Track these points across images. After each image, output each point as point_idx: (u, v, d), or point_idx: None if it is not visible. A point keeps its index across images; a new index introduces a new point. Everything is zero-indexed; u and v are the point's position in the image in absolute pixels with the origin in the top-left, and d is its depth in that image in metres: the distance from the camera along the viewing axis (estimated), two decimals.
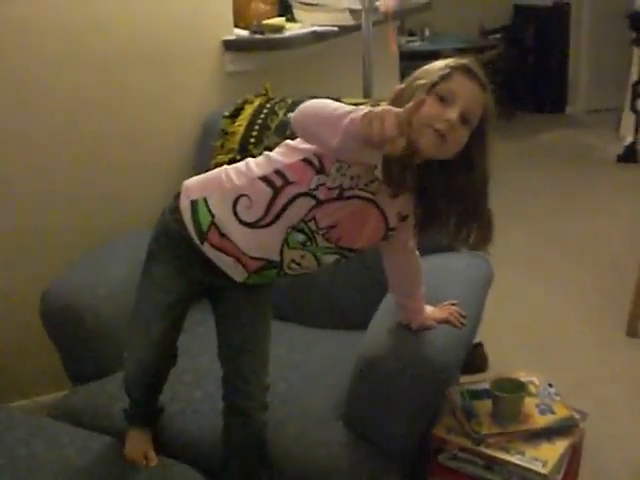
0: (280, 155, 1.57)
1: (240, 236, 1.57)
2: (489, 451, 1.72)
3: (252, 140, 2.33)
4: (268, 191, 1.53)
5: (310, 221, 1.53)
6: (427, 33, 6.64)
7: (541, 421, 1.78)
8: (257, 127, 2.34)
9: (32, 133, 2.33)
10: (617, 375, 2.89)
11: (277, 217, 1.53)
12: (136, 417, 1.81)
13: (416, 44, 6.41)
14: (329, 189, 1.49)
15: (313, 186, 1.50)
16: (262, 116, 2.37)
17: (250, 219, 1.55)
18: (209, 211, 1.59)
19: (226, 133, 2.39)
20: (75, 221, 2.44)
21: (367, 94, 2.94)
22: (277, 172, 1.54)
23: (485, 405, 1.82)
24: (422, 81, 1.47)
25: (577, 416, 1.83)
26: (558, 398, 1.87)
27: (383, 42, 3.23)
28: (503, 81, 6.59)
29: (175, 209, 1.64)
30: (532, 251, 4.09)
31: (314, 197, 1.50)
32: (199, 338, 2.13)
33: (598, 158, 5.75)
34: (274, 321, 2.19)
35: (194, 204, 1.61)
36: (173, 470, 1.68)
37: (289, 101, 2.41)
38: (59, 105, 2.36)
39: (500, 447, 1.73)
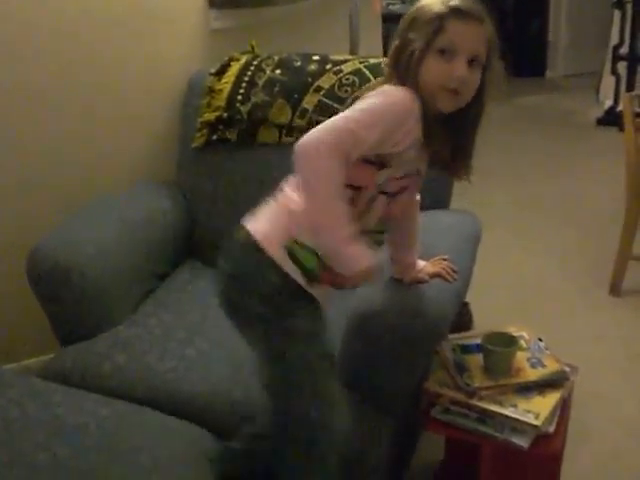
0: None
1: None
2: (482, 404, 1.73)
3: (239, 97, 2.30)
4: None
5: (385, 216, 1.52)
6: None
7: (533, 374, 1.79)
8: (244, 84, 2.32)
9: (17, 86, 2.28)
10: (600, 334, 2.92)
11: (362, 227, 1.46)
12: None
13: (396, 6, 6.35)
14: (397, 179, 1.48)
15: (381, 182, 1.47)
16: (249, 73, 2.34)
17: None
18: (309, 249, 1.45)
19: (212, 91, 2.36)
20: (62, 178, 2.40)
21: (353, 51, 2.92)
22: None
23: (476, 359, 1.83)
24: (414, 37, 1.42)
25: (567, 369, 1.84)
26: (548, 352, 1.88)
27: (367, 1, 3.20)
28: None
29: (269, 265, 1.46)
30: (514, 212, 4.11)
31: (385, 193, 1.48)
32: (189, 296, 2.12)
33: (578, 121, 5.77)
34: None
35: (290, 250, 1.46)
36: (171, 425, 1.68)
37: (276, 58, 2.38)
38: (46, 58, 2.30)
39: (493, 400, 1.73)
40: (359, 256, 1.39)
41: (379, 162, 1.45)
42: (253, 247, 1.46)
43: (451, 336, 1.96)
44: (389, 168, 1.46)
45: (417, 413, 1.84)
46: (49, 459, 1.52)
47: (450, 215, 2.14)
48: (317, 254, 1.44)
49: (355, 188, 1.46)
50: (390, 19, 4.86)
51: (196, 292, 2.15)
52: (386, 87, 1.46)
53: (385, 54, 4.20)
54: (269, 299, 1.48)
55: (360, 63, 2.32)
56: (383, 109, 1.41)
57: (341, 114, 1.42)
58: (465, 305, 2.81)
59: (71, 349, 1.98)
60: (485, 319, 2.84)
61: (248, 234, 1.48)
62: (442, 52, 1.40)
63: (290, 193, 1.50)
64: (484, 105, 1.51)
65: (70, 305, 2.00)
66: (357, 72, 2.28)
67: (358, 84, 2.25)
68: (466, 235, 2.00)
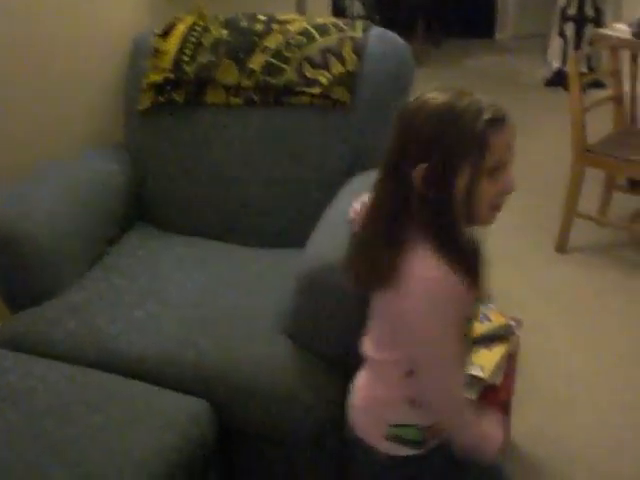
0: None
1: None
2: None
3: (185, 58, 2.28)
4: None
5: None
6: None
7: (479, 329, 1.83)
8: (190, 45, 2.29)
9: None
10: (547, 289, 3.00)
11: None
12: None
13: None
14: None
15: None
16: (195, 34, 2.32)
17: None
18: (410, 426, 1.38)
19: (158, 52, 2.32)
20: (7, 144, 2.35)
21: (300, 10, 2.91)
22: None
23: None
24: (457, 165, 1.18)
25: (513, 323, 1.89)
26: (494, 307, 1.92)
27: None
28: (431, 7, 6.58)
29: (385, 460, 1.39)
30: None
31: None
32: (139, 260, 2.11)
33: (527, 83, 5.82)
34: (210, 241, 2.21)
35: (391, 436, 1.39)
36: (124, 386, 1.69)
37: (222, 19, 2.36)
38: None
39: None
40: (492, 436, 1.34)
41: None
42: (358, 444, 1.42)
43: None
44: None
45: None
46: (1, 424, 1.52)
47: None
48: (416, 425, 1.38)
49: None
50: None
51: (146, 255, 2.15)
52: (420, 283, 1.21)
53: (335, 14, 4.17)
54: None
55: (306, 22, 2.31)
56: (444, 333, 1.24)
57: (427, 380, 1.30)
58: None
59: (21, 315, 1.96)
60: None
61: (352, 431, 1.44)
62: (490, 173, 1.21)
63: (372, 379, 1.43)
64: None
65: (19, 271, 1.98)
66: (304, 32, 2.27)
67: (305, 44, 2.24)
68: None
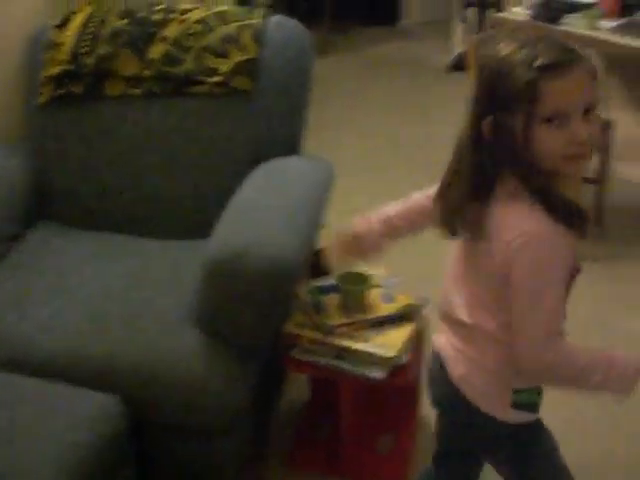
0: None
1: None
2: (338, 341, 1.80)
3: (83, 50, 2.24)
4: None
5: None
6: None
7: (386, 309, 1.87)
8: (88, 36, 2.25)
9: None
10: None
11: None
12: None
13: None
14: None
15: None
16: (93, 25, 2.28)
17: None
18: (529, 390, 1.40)
19: (55, 44, 2.28)
20: None
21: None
22: None
23: (333, 299, 1.89)
24: (507, 117, 1.20)
25: (419, 302, 1.93)
26: (401, 288, 1.97)
27: None
28: None
29: (499, 425, 1.40)
30: (372, 158, 4.20)
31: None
32: (45, 257, 2.08)
33: (430, 68, 5.91)
34: (117, 236, 2.18)
35: (515, 403, 1.39)
36: (34, 385, 1.66)
37: (120, 9, 2.33)
38: None
39: (349, 336, 1.81)
40: (630, 372, 1.29)
41: None
42: (479, 414, 1.40)
43: (311, 281, 2.02)
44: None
45: (278, 355, 1.89)
46: None
47: (302, 162, 2.18)
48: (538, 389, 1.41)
49: None
50: None
51: (52, 252, 2.11)
52: (516, 230, 1.23)
53: (241, 2, 4.13)
54: (505, 445, 1.45)
55: (206, 11, 2.30)
56: (542, 283, 1.25)
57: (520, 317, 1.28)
58: (320, 252, 2.86)
59: None
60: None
61: (466, 397, 1.40)
62: (549, 120, 1.18)
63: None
64: None
65: None
66: (203, 20, 2.26)
67: (204, 33, 2.23)
68: (318, 181, 2.04)
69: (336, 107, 4.99)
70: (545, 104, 1.17)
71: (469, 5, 5.81)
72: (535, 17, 3.48)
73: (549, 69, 1.16)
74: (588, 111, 1.19)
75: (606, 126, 3.28)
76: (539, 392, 1.41)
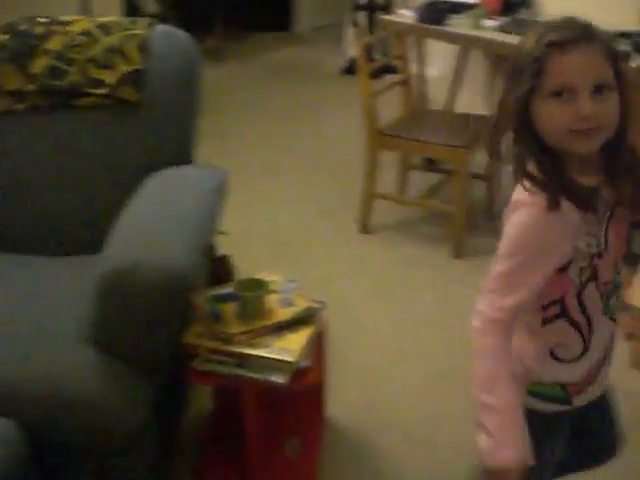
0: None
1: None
2: (238, 349, 1.79)
3: None
4: (564, 325, 1.34)
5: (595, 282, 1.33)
6: None
7: (284, 314, 1.87)
8: None
9: None
10: (353, 269, 3.11)
11: (588, 321, 1.33)
12: None
13: None
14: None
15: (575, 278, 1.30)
16: None
17: (573, 354, 1.37)
18: (550, 385, 1.40)
19: None
20: None
21: (85, 11, 2.84)
22: (546, 306, 1.34)
23: (231, 307, 1.88)
24: (514, 87, 1.24)
25: (317, 305, 1.95)
26: (298, 292, 1.97)
27: None
28: (228, 3, 6.60)
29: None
30: (269, 162, 4.22)
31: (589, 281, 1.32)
32: None
33: (324, 72, 5.98)
34: (3, 254, 2.11)
35: (534, 394, 1.40)
36: None
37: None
38: None
39: (248, 344, 1.80)
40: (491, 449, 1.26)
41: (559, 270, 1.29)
42: None
43: (209, 289, 2.00)
44: (574, 263, 1.30)
45: (179, 367, 1.87)
46: None
47: (195, 170, 2.17)
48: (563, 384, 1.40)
49: (555, 301, 1.33)
50: None
51: None
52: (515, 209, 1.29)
53: (130, 13, 4.08)
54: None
55: (90, 22, 2.27)
56: (515, 261, 1.27)
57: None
58: (225, 258, 2.85)
59: None
60: (249, 268, 2.90)
61: None
62: (557, 94, 1.20)
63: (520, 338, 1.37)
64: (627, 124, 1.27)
65: None
66: (87, 32, 2.23)
67: (89, 44, 2.19)
68: (210, 188, 2.03)
69: (232, 114, 4.99)
70: (552, 78, 1.20)
71: (359, 9, 5.90)
72: (421, 19, 3.57)
73: (556, 45, 1.19)
74: (601, 90, 1.20)
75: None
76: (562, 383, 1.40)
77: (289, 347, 1.80)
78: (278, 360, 1.77)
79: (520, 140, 1.28)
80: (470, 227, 3.32)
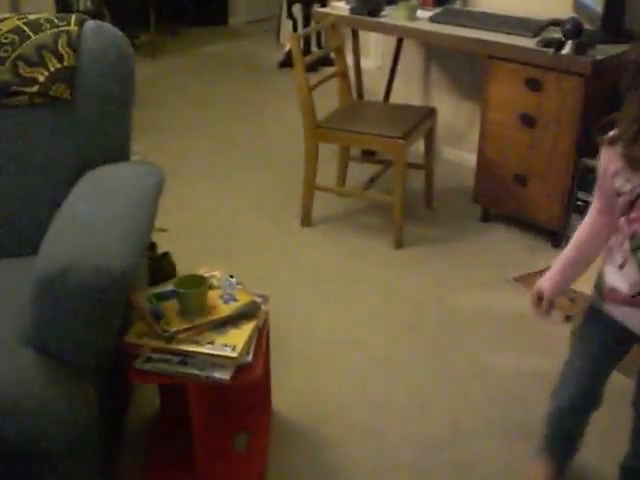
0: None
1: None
2: (180, 346, 1.78)
3: None
4: (616, 236, 1.64)
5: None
6: None
7: (226, 310, 1.87)
8: None
9: None
10: (295, 263, 3.12)
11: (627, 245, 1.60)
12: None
13: None
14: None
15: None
16: None
17: (613, 263, 1.66)
18: (599, 276, 1.73)
19: None
20: None
21: (16, 9, 2.78)
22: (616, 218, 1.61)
23: (172, 304, 1.87)
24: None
25: (259, 299, 1.95)
26: (240, 286, 1.97)
27: None
28: None
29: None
30: (207, 158, 4.20)
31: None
32: None
33: (262, 66, 5.98)
34: None
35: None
36: None
37: None
38: None
39: (191, 341, 1.79)
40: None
41: None
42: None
43: (150, 288, 1.99)
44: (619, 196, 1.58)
45: (122, 367, 1.85)
46: None
47: (132, 167, 2.15)
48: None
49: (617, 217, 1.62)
50: None
51: None
52: None
53: (63, 9, 3.99)
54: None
55: (19, 20, 2.22)
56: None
57: None
58: (166, 255, 2.84)
59: None
60: (190, 265, 2.90)
61: None
62: None
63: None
64: None
65: None
66: (16, 30, 2.18)
67: (18, 42, 2.15)
68: (147, 185, 2.01)
69: (169, 109, 4.95)
70: None
71: (295, 1, 5.91)
72: (355, 11, 3.59)
73: None
74: None
75: (430, 112, 3.43)
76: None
77: (232, 342, 1.80)
78: (221, 356, 1.77)
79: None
80: (409, 217, 3.36)
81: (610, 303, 1.68)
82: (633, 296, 1.61)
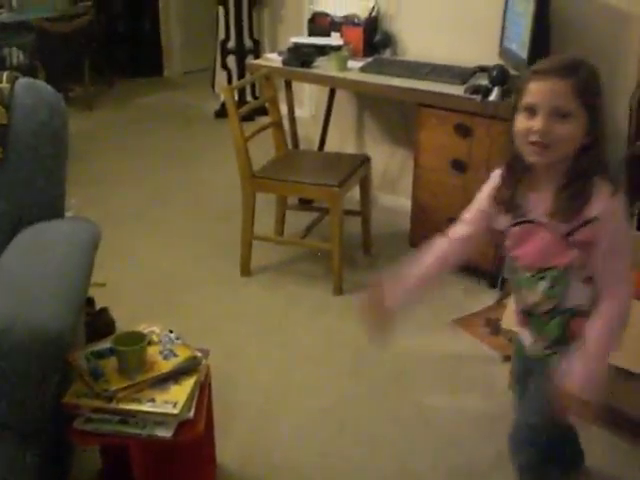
0: None
1: None
2: (120, 405, 1.75)
3: None
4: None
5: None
6: (14, 3, 6.21)
7: (166, 366, 1.85)
8: None
9: None
10: (235, 312, 3.11)
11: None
12: None
13: (3, 15, 6.02)
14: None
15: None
16: None
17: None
18: None
19: None
20: None
21: None
22: None
23: (111, 362, 1.84)
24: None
25: (199, 354, 1.94)
26: (179, 341, 1.96)
27: None
28: (99, 48, 6.53)
29: None
30: (145, 210, 4.17)
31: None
32: None
33: (198, 115, 6.00)
34: None
35: None
36: None
37: None
38: None
39: (131, 399, 1.77)
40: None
41: None
42: None
43: (88, 345, 1.96)
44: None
45: (61, 429, 1.82)
46: None
47: (67, 223, 2.13)
48: None
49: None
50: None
51: None
52: None
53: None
54: None
55: None
56: None
57: None
58: (104, 311, 2.80)
59: None
60: (129, 320, 2.86)
61: None
62: (529, 111, 1.55)
63: None
64: (598, 152, 1.58)
65: None
66: None
67: None
68: (83, 241, 1.99)
69: (104, 162, 4.93)
70: (525, 97, 1.56)
71: (228, 53, 5.97)
72: (287, 62, 3.65)
73: (535, 72, 1.56)
74: (562, 115, 1.51)
75: (364, 159, 3.49)
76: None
77: (173, 399, 1.79)
78: (162, 414, 1.76)
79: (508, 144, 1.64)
80: (348, 263, 3.39)
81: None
82: (518, 314, 1.81)
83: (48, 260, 1.87)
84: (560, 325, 1.69)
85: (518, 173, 1.64)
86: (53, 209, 2.16)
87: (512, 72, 3.05)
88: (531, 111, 1.53)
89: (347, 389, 2.63)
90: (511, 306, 2.59)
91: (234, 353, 2.79)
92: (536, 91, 1.53)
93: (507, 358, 2.64)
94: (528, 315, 1.75)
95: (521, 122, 1.56)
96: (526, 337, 1.81)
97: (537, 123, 1.52)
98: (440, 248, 1.78)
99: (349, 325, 2.98)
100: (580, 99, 1.51)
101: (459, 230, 1.78)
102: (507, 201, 1.65)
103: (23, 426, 1.69)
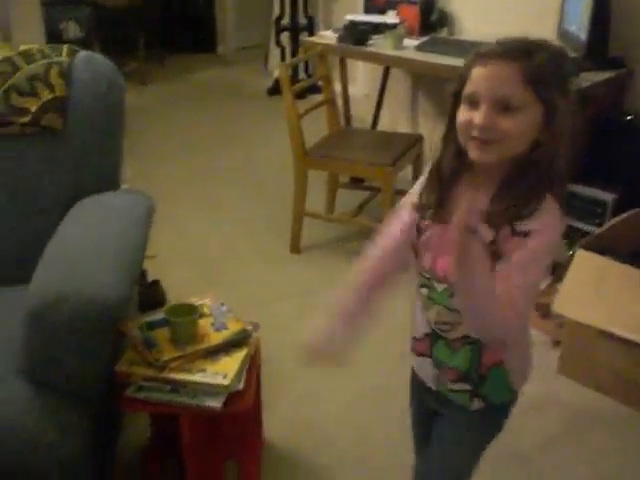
0: None
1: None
2: (172, 375, 1.78)
3: None
4: None
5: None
6: None
7: (217, 338, 1.88)
8: None
9: None
10: (285, 289, 3.13)
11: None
12: None
13: None
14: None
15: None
16: None
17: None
18: None
19: None
20: None
21: (6, 38, 2.81)
22: None
23: (163, 333, 1.87)
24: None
25: (249, 327, 1.96)
26: (231, 314, 1.98)
27: None
28: (152, 26, 6.59)
29: None
30: (197, 186, 4.21)
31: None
32: None
33: (251, 93, 6.01)
34: None
35: None
36: None
37: None
38: None
39: (183, 369, 1.80)
40: None
41: None
42: None
43: (141, 316, 1.99)
44: None
45: (113, 396, 1.85)
46: None
47: (122, 196, 2.16)
48: None
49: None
50: (50, 3, 4.73)
51: None
52: None
53: (51, 39, 4.04)
54: None
55: (11, 50, 2.25)
56: None
57: None
58: (156, 283, 2.85)
59: None
60: (180, 293, 2.90)
61: None
62: (470, 102, 1.27)
63: None
64: (551, 157, 1.28)
65: None
66: (8, 60, 2.20)
67: (10, 72, 2.17)
68: (138, 215, 2.02)
69: (157, 137, 4.97)
70: (468, 85, 1.28)
71: (282, 30, 5.96)
72: (342, 40, 3.63)
73: (480, 57, 1.27)
74: (509, 109, 1.24)
75: (418, 138, 3.46)
76: None
77: (223, 370, 1.81)
78: (212, 384, 1.78)
79: (445, 135, 1.37)
80: None
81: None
82: (418, 339, 1.58)
83: (104, 232, 1.90)
84: (470, 354, 1.44)
85: (448, 173, 1.36)
86: (109, 181, 2.20)
87: (571, 54, 2.98)
88: (473, 101, 1.26)
89: (394, 371, 2.62)
90: (562, 290, 2.57)
91: (281, 329, 2.80)
92: (478, 78, 1.26)
93: (557, 343, 2.61)
94: (435, 339, 1.51)
95: (462, 114, 1.28)
96: (426, 368, 1.56)
97: (477, 116, 1.25)
98: (371, 265, 1.64)
99: (400, 306, 2.96)
100: (533, 89, 1.23)
101: (384, 242, 1.62)
102: (432, 205, 1.38)
103: (77, 393, 1.73)
